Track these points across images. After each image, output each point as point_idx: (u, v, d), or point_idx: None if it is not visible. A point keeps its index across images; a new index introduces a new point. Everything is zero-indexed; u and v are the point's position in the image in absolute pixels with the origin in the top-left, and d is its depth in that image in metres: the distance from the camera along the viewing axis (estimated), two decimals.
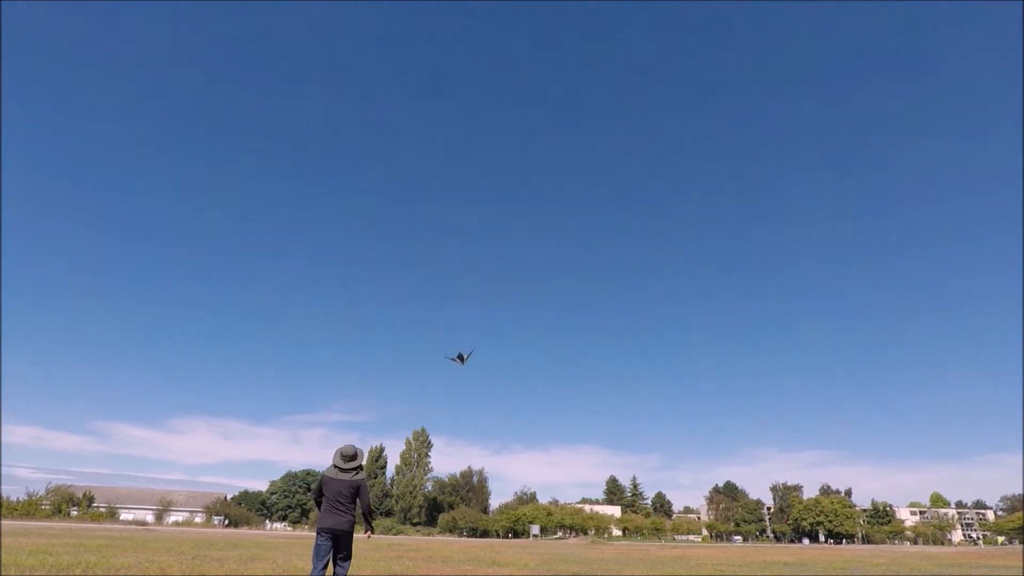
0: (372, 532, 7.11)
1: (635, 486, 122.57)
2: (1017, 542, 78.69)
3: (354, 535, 6.28)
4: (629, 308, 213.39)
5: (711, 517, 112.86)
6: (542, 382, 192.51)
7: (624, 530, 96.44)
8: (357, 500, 6.20)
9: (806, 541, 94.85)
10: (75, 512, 59.24)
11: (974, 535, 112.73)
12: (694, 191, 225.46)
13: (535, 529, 79.49)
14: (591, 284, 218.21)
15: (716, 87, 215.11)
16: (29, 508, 54.03)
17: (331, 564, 6.14)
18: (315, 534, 6.16)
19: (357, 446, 6.38)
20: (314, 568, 5.91)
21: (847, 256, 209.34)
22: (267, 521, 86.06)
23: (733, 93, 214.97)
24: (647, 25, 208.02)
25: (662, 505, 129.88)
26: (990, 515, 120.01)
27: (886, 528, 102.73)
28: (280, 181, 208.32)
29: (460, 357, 18.18)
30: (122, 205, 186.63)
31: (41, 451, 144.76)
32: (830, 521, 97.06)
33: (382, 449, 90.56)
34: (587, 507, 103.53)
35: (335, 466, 6.22)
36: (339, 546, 6.10)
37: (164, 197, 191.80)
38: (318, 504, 6.24)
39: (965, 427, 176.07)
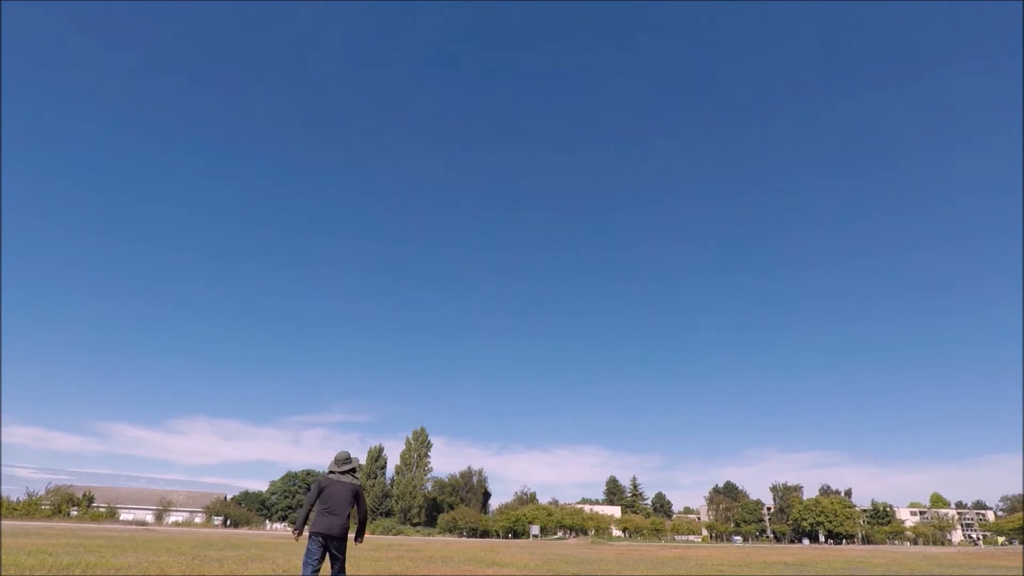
0: (361, 540, 6.45)
1: (635, 486, 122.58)
2: (1017, 542, 78.63)
3: (347, 540, 6.13)
4: (630, 309, 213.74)
5: (711, 517, 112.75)
6: (543, 382, 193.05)
7: (624, 530, 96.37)
8: (354, 506, 6.14)
9: (806, 541, 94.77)
10: (75, 512, 59.14)
11: (974, 535, 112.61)
12: (696, 192, 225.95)
13: (535, 529, 79.42)
14: (593, 285, 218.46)
15: (718, 88, 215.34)
16: (29, 508, 53.93)
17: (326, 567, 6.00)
18: (307, 537, 6.01)
19: (351, 453, 6.42)
20: (304, 571, 5.78)
21: (847, 257, 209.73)
22: (267, 521, 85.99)
23: (734, 94, 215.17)
24: (651, 26, 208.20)
25: (662, 505, 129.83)
26: (990, 515, 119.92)
27: (886, 528, 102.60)
28: (283, 182, 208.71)
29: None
30: (123, 205, 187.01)
31: (42, 451, 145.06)
32: (830, 521, 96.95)
33: (381, 449, 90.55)
34: (587, 507, 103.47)
35: (331, 471, 6.26)
36: (331, 552, 5.94)
37: (165, 197, 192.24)
38: (310, 507, 6.07)
39: (965, 427, 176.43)
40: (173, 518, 71.20)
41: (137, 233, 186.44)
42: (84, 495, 64.70)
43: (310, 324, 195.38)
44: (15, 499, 57.00)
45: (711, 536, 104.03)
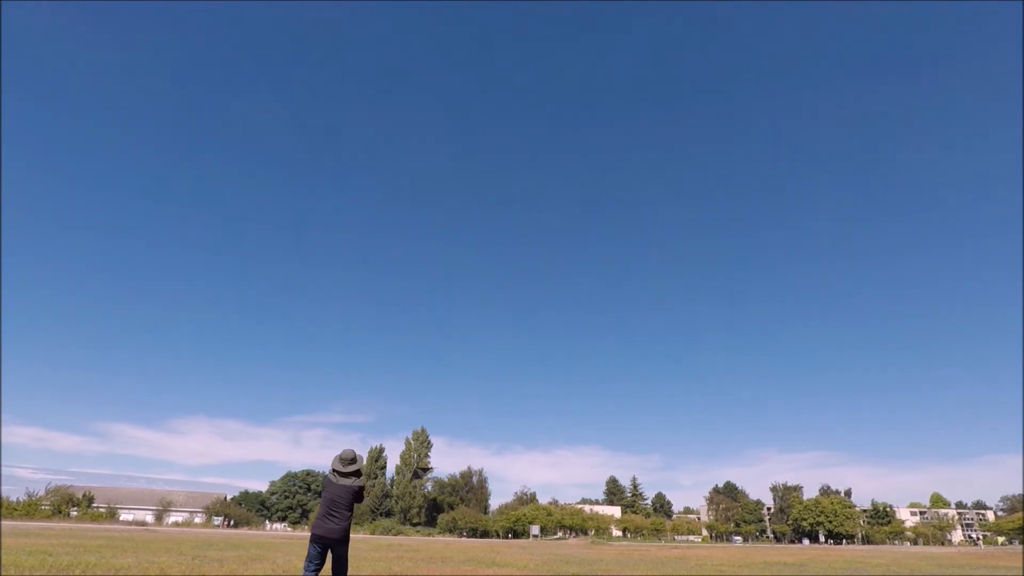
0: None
1: (635, 486, 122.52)
2: (1017, 542, 78.62)
3: (348, 543, 6.07)
4: (631, 309, 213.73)
5: (711, 517, 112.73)
6: (543, 382, 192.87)
7: (624, 531, 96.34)
8: (353, 506, 6.04)
9: (806, 541, 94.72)
10: (75, 512, 59.11)
11: (974, 535, 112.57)
12: (696, 192, 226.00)
13: (535, 530, 79.37)
14: (593, 285, 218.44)
15: (718, 87, 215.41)
16: (29, 508, 53.86)
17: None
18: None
19: (356, 451, 6.23)
20: (304, 572, 5.79)
21: (847, 256, 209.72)
22: (267, 522, 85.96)
23: (735, 93, 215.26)
24: (650, 25, 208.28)
25: (662, 506, 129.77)
26: (990, 515, 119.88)
27: (886, 528, 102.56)
28: (282, 181, 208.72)
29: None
30: (122, 205, 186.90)
31: (42, 452, 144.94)
32: (830, 521, 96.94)
33: (382, 449, 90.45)
34: (587, 508, 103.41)
35: (335, 471, 6.08)
36: (333, 555, 5.89)
37: (165, 197, 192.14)
38: None
39: (965, 427, 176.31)
40: (173, 518, 71.16)
41: (137, 233, 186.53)
42: (84, 495, 64.71)
43: (310, 324, 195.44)
44: (15, 499, 56.96)
45: (711, 536, 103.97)
